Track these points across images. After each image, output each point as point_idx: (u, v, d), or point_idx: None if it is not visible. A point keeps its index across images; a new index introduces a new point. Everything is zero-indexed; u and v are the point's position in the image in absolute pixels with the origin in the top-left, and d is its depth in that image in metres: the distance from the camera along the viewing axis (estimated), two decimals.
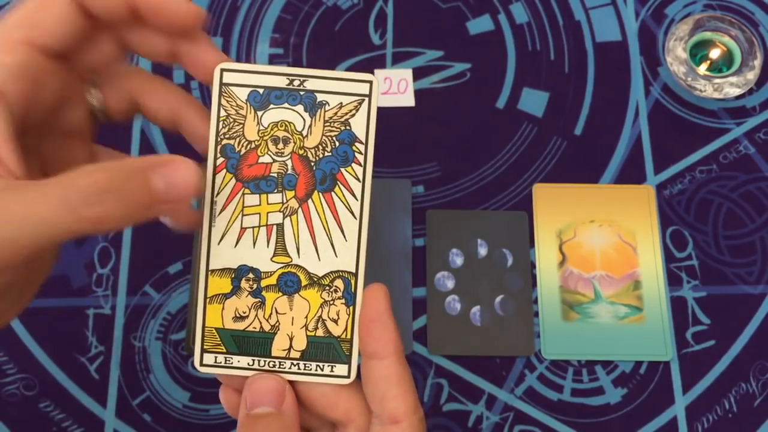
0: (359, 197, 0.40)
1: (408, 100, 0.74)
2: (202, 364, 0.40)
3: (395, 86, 0.74)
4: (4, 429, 0.64)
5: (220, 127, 0.40)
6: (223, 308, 0.40)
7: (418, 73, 0.75)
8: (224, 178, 0.40)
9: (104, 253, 0.69)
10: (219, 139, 0.40)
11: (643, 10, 0.78)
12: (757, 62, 0.73)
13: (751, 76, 0.73)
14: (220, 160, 0.40)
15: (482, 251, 0.69)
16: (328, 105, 0.40)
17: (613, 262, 0.69)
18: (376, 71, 0.75)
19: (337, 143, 0.40)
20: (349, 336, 0.40)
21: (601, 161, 0.72)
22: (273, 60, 0.75)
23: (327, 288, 0.40)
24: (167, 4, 0.39)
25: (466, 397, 0.66)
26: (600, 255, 0.69)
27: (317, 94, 0.40)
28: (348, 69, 0.75)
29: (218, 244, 0.40)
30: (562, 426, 0.65)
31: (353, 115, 0.40)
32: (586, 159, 0.72)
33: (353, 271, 0.40)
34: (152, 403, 0.65)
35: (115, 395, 0.65)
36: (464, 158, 0.73)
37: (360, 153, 0.40)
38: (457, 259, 0.69)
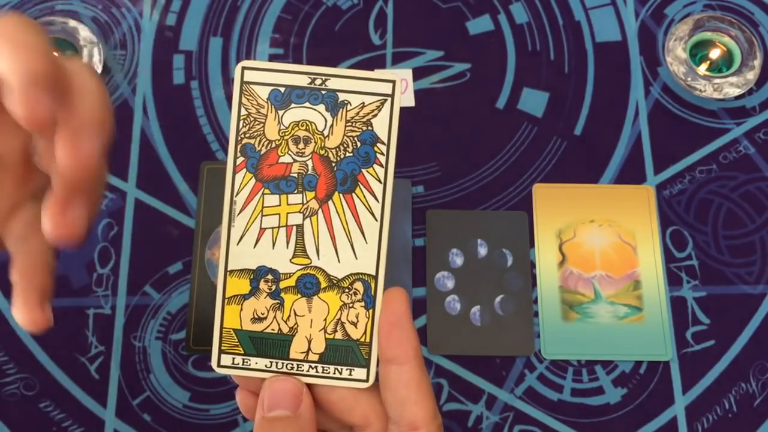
0: (380, 199, 0.39)
1: (408, 100, 0.74)
2: (219, 365, 0.40)
3: None
4: (4, 429, 0.64)
5: (241, 125, 0.39)
6: (241, 309, 0.39)
7: (418, 73, 0.75)
8: (244, 177, 0.39)
9: (104, 253, 0.68)
10: (239, 138, 0.39)
11: (643, 10, 0.78)
12: (757, 62, 0.73)
13: (751, 76, 0.73)
14: (240, 159, 0.39)
15: (482, 251, 0.69)
16: (350, 105, 0.39)
17: (612, 262, 0.69)
18: (376, 71, 0.75)
19: (358, 144, 0.39)
20: (368, 339, 0.39)
21: (601, 161, 0.72)
22: (273, 60, 0.75)
23: (346, 290, 0.39)
24: None
25: (466, 397, 0.66)
26: (600, 255, 0.69)
27: (339, 94, 0.39)
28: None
29: (237, 244, 0.39)
30: (562, 426, 0.65)
31: (375, 116, 0.39)
32: (586, 159, 0.73)
33: (373, 273, 0.39)
34: (152, 403, 0.65)
35: (115, 395, 0.65)
36: (464, 158, 0.73)
37: (382, 154, 0.39)
38: (457, 259, 0.69)
